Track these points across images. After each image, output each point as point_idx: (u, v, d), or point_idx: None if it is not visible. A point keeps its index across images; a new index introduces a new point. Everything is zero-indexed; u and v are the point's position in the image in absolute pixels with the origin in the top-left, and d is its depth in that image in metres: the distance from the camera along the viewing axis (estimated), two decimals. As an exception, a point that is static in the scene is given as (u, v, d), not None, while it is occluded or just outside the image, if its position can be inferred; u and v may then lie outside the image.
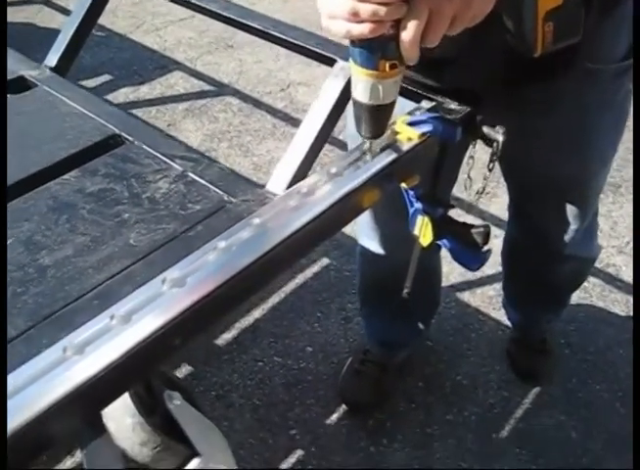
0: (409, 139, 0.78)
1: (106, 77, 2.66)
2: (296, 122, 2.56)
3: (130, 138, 1.12)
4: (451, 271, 1.98)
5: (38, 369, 0.52)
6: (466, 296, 1.91)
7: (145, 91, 2.67)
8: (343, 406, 1.54)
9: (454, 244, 0.85)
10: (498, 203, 2.19)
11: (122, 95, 2.61)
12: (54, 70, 1.35)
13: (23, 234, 0.92)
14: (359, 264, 1.51)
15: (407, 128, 0.78)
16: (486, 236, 0.82)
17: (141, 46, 2.92)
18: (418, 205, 0.84)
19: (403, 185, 0.83)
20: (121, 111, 1.37)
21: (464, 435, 1.51)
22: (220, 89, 2.72)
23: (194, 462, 0.77)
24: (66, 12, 3.23)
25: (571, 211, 1.23)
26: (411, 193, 0.85)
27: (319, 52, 1.00)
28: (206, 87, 2.73)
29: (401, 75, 0.63)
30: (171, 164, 1.05)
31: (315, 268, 1.87)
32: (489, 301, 1.89)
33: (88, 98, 1.31)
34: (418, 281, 1.39)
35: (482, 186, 0.90)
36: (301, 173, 1.01)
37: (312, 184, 0.69)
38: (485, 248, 0.83)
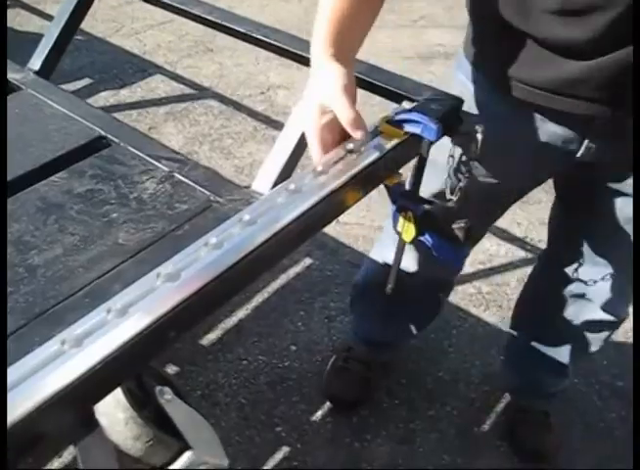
0: (392, 138, 0.80)
1: (86, 81, 2.66)
2: (276, 125, 2.58)
3: (116, 140, 1.13)
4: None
5: (38, 362, 0.53)
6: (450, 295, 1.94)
7: (125, 95, 2.68)
8: (328, 403, 1.57)
9: (436, 240, 0.87)
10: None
11: (103, 99, 2.62)
12: (37, 73, 1.36)
13: (12, 235, 0.93)
14: (367, 264, 1.47)
15: (390, 127, 0.81)
16: (467, 232, 0.85)
17: (121, 50, 2.92)
18: (401, 201, 0.87)
19: (386, 182, 0.86)
20: (106, 113, 1.38)
21: (446, 429, 1.54)
22: (201, 92, 2.73)
23: (186, 455, 0.79)
24: (43, 15, 3.22)
25: (619, 262, 1.16)
26: (395, 189, 0.87)
27: (303, 55, 1.02)
28: (187, 90, 2.74)
29: None
30: (157, 165, 1.07)
31: (298, 268, 1.89)
32: (469, 298, 1.92)
33: (72, 101, 1.32)
34: (430, 288, 1.39)
35: (463, 185, 0.93)
36: (286, 173, 1.03)
37: (299, 181, 0.71)
38: (465, 244, 0.86)
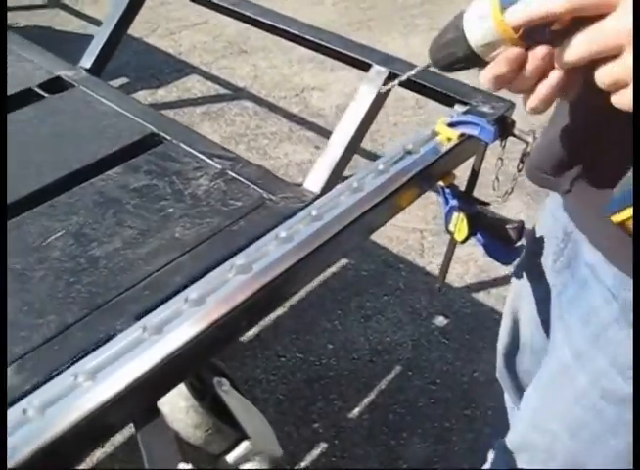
0: (449, 139, 0.82)
1: (123, 80, 2.71)
2: (311, 126, 2.60)
3: (168, 137, 1.16)
4: (466, 272, 2.02)
5: (121, 348, 0.55)
6: (481, 296, 1.95)
7: (162, 94, 2.72)
8: (365, 401, 1.58)
9: (488, 239, 0.88)
10: (509, 207, 2.23)
11: (140, 98, 2.66)
12: (89, 70, 1.39)
13: (73, 227, 0.96)
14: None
15: (447, 129, 0.82)
16: (520, 232, 0.86)
17: (157, 50, 2.97)
18: (454, 202, 0.88)
19: (441, 183, 0.87)
20: (156, 111, 1.41)
21: (481, 429, 1.55)
22: (236, 93, 2.76)
23: (243, 445, 0.81)
24: (80, 15, 3.28)
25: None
26: (447, 191, 0.89)
27: (355, 56, 1.04)
28: (222, 91, 2.77)
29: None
30: (210, 162, 1.10)
31: (334, 268, 1.91)
32: (503, 300, 1.92)
33: (123, 98, 1.35)
34: None
35: (511, 187, 0.94)
36: (337, 172, 1.05)
37: (361, 180, 0.73)
38: (518, 243, 0.87)
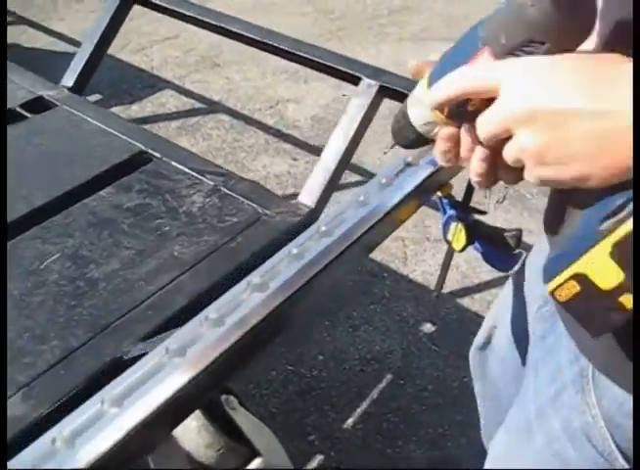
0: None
1: (96, 97, 2.68)
2: (287, 138, 2.61)
3: (157, 155, 1.15)
4: (449, 278, 2.04)
5: (143, 373, 0.54)
6: (465, 301, 1.97)
7: (136, 110, 2.70)
8: (358, 411, 1.58)
9: (486, 247, 0.90)
10: (504, 218, 2.26)
11: (113, 114, 2.63)
12: (71, 90, 1.38)
13: (69, 249, 0.95)
14: None
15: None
16: (519, 240, 0.87)
17: (129, 65, 2.95)
18: (451, 211, 0.89)
19: (438, 193, 0.88)
20: (143, 128, 1.40)
21: (475, 434, 1.56)
22: (211, 107, 2.75)
23: (256, 462, 0.81)
24: (49, 32, 3.24)
25: None
26: (445, 201, 0.90)
27: (344, 70, 1.05)
28: (197, 105, 2.76)
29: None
30: (202, 179, 1.09)
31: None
32: (487, 305, 1.94)
33: (108, 116, 1.34)
34: None
35: (503, 195, 0.95)
36: (331, 186, 1.06)
37: (366, 194, 0.73)
38: (517, 250, 0.89)
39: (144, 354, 0.75)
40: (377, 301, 1.93)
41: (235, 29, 1.22)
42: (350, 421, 1.57)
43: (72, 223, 1.00)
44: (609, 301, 0.48)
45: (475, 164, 0.55)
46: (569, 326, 0.65)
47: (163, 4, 1.43)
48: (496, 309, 0.96)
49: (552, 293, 0.52)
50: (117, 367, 0.78)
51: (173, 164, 1.13)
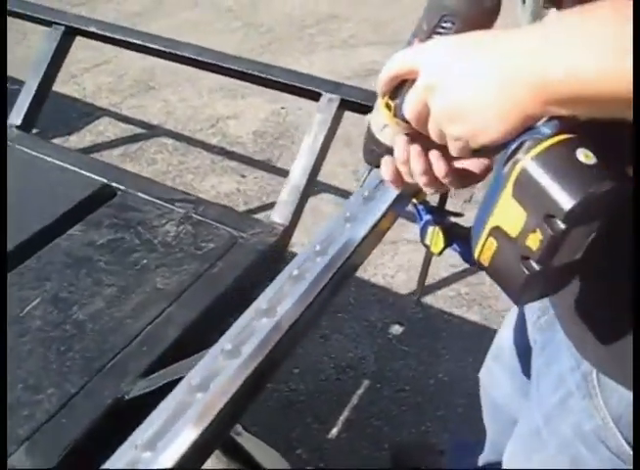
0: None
1: (33, 131, 2.61)
2: (232, 156, 2.60)
3: (121, 187, 1.14)
4: (410, 279, 2.08)
5: (171, 413, 0.54)
6: (428, 299, 2.01)
7: (75, 140, 2.64)
8: (341, 419, 1.60)
9: (464, 248, 0.92)
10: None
11: (51, 147, 2.57)
12: (19, 128, 1.35)
13: (48, 293, 0.93)
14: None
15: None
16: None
17: (62, 96, 2.87)
18: (427, 216, 0.92)
19: (414, 200, 0.91)
20: (101, 161, 1.38)
21: (457, 427, 1.59)
22: (151, 131, 2.72)
23: (268, 485, 0.81)
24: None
25: None
26: (420, 207, 0.92)
27: (303, 87, 1.06)
28: (137, 130, 2.72)
29: None
30: (171, 207, 1.09)
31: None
32: (451, 301, 1.99)
33: (64, 152, 1.32)
34: None
35: (470, 195, 0.98)
36: (302, 203, 1.07)
37: (351, 209, 0.75)
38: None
39: (150, 392, 0.75)
40: (343, 308, 1.95)
41: (183, 53, 1.22)
42: (335, 431, 1.59)
43: (47, 266, 0.98)
44: (519, 247, 0.49)
45: (413, 164, 0.59)
46: (569, 331, 0.67)
47: (99, 31, 1.41)
48: (507, 318, 0.99)
49: (478, 260, 0.54)
50: (120, 408, 0.77)
51: (139, 195, 1.12)
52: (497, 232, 0.51)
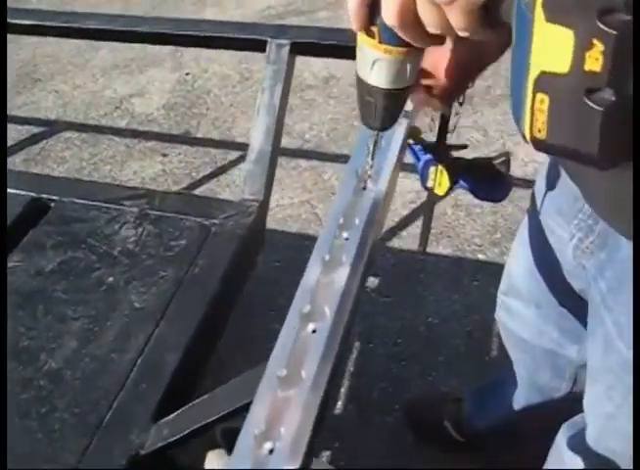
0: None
1: None
2: (147, 136, 2.39)
3: (54, 197, 0.95)
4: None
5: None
6: (395, 242, 1.91)
7: (-33, 155, 2.36)
8: (342, 391, 1.49)
9: (474, 183, 0.81)
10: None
11: (-58, 167, 2.28)
12: None
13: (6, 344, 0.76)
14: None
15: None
16: (508, 163, 0.79)
17: (-63, 109, 2.56)
18: (427, 156, 0.79)
19: (409, 141, 0.78)
20: (20, 172, 1.18)
21: (462, 368, 1.52)
22: (51, 127, 2.45)
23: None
24: None
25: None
26: (417, 147, 0.79)
27: (245, 37, 0.90)
28: (35, 130, 2.45)
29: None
30: (121, 207, 0.92)
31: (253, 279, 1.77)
32: (417, 240, 1.91)
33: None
34: None
35: (454, 124, 0.86)
36: (271, 171, 0.92)
37: (365, 173, 0.60)
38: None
39: (169, 444, 0.61)
40: (311, 272, 1.83)
41: (87, 26, 1.02)
42: (339, 404, 1.48)
43: (-8, 312, 0.80)
44: (579, 79, 0.36)
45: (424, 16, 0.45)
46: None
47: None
48: (515, 251, 0.87)
49: (533, 138, 0.41)
50: (139, 466, 0.62)
51: (78, 201, 0.94)
52: (544, 81, 0.37)
